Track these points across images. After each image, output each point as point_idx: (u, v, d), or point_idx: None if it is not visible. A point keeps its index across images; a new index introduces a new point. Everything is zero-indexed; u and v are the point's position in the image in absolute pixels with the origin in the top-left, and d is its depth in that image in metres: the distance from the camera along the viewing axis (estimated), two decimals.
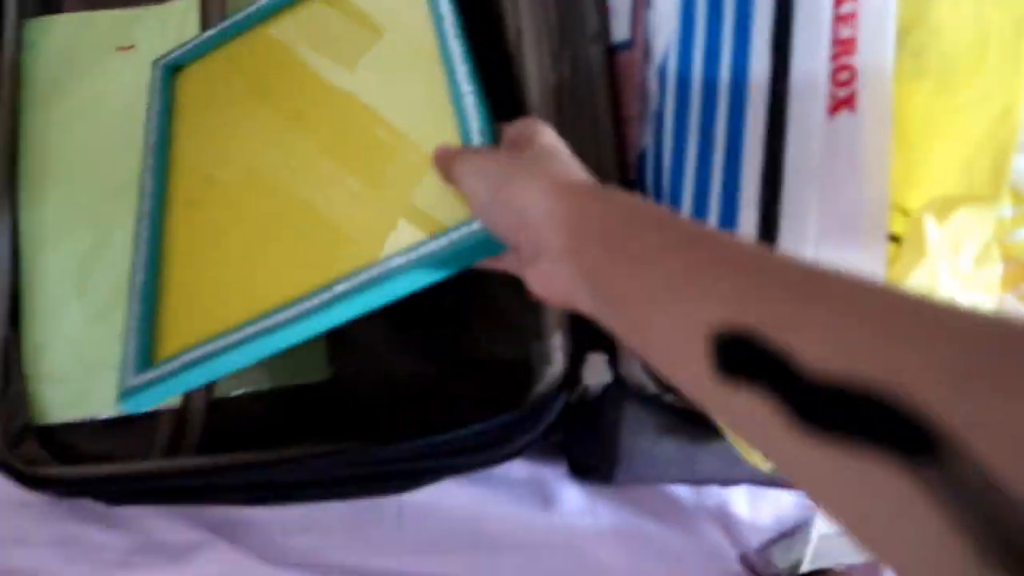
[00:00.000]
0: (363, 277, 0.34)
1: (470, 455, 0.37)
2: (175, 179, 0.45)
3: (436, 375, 0.43)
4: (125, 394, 0.35)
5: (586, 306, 0.27)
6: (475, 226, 0.32)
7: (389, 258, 0.33)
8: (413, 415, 0.43)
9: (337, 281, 0.34)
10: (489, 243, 0.32)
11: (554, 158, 0.29)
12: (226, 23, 0.49)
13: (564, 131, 0.38)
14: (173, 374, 0.35)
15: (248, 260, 0.39)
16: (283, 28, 0.48)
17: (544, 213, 0.27)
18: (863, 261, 0.30)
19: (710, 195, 0.33)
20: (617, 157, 0.37)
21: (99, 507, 0.43)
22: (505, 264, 0.32)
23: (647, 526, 0.45)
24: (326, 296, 0.34)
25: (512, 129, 0.33)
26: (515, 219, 0.28)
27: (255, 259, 0.39)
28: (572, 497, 0.45)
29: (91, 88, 0.51)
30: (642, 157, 0.37)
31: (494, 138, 0.34)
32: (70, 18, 0.53)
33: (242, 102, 0.46)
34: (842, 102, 0.31)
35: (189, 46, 0.50)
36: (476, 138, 0.34)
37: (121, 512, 0.44)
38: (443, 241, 0.33)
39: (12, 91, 0.48)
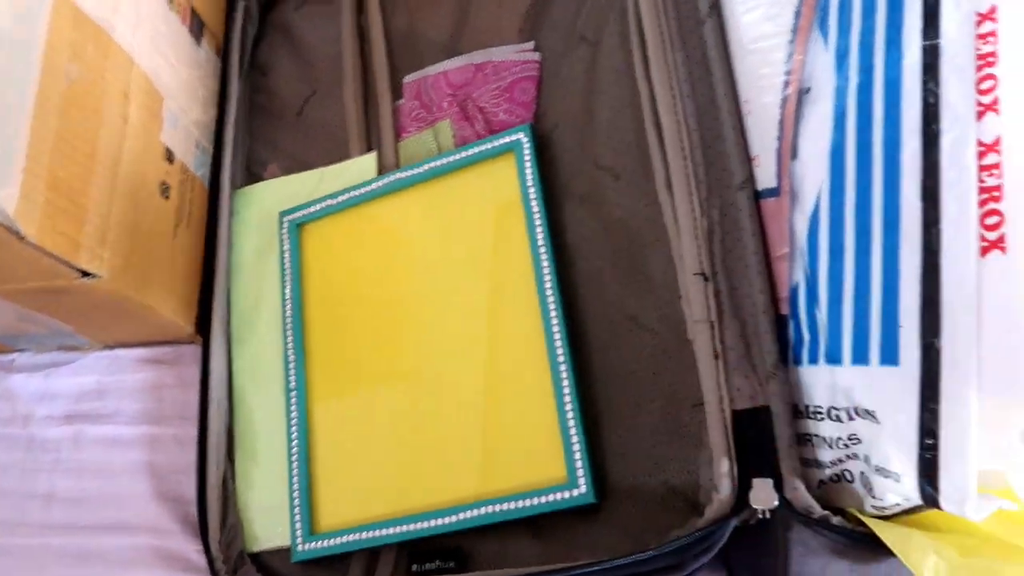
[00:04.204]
0: (487, 510, 0.45)
1: None
2: (314, 351, 0.55)
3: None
4: (297, 556, 0.49)
5: None
6: (578, 491, 0.43)
7: (507, 498, 0.45)
8: (580, 538, 0.45)
9: (474, 504, 0.46)
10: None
11: None
12: (355, 192, 0.56)
13: (714, 269, 0.42)
14: (332, 548, 0.48)
15: (391, 454, 0.50)
16: (414, 204, 0.55)
17: None
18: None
19: (870, 334, 0.35)
20: (770, 294, 0.40)
21: None
22: None
23: None
24: (464, 515, 0.46)
25: None
26: None
27: (397, 455, 0.50)
28: None
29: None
30: (794, 292, 0.40)
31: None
32: (268, 184, 0.62)
33: (368, 268, 0.55)
34: (993, 244, 0.33)
35: (319, 206, 0.57)
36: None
37: None
38: (555, 497, 0.44)
39: (227, 256, 0.57)
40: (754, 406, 0.39)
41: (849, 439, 0.37)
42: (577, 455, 0.45)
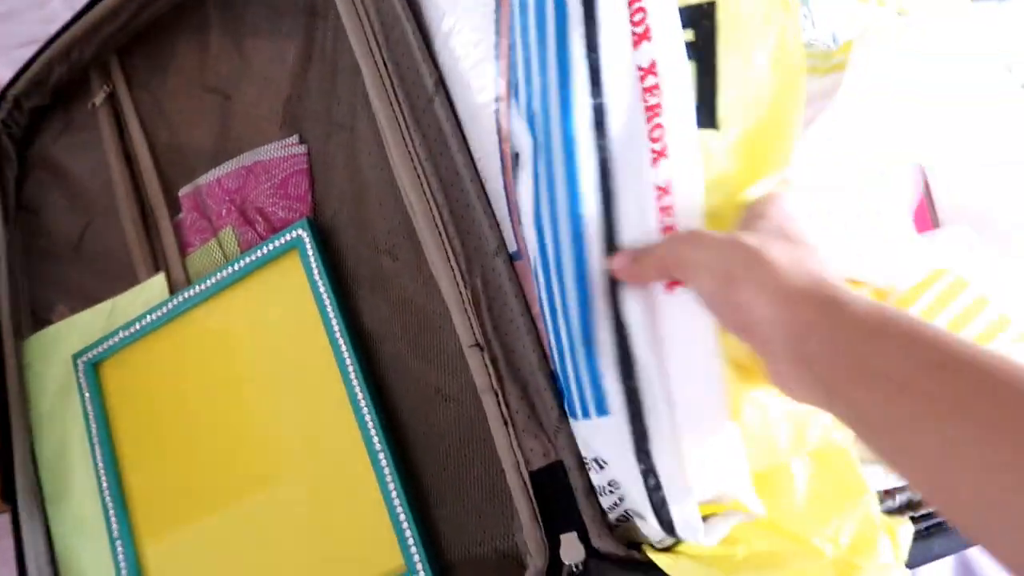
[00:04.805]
0: None
1: None
2: (135, 492, 0.53)
3: None
4: None
5: (825, 408, 0.28)
6: None
7: None
8: None
9: None
10: None
11: (785, 242, 0.29)
12: (147, 319, 0.55)
13: (487, 337, 0.43)
14: None
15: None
16: (210, 320, 0.54)
17: (770, 325, 0.27)
18: (710, 416, 0.34)
19: (584, 388, 0.37)
20: (541, 351, 0.42)
21: None
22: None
23: None
24: None
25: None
26: (741, 322, 0.29)
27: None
28: None
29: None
30: (550, 349, 0.40)
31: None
32: (58, 327, 0.59)
33: (176, 393, 0.54)
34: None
35: (113, 339, 0.55)
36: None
37: None
38: None
39: (23, 413, 0.54)
40: (549, 463, 0.41)
41: (610, 485, 0.38)
42: (411, 541, 0.45)
